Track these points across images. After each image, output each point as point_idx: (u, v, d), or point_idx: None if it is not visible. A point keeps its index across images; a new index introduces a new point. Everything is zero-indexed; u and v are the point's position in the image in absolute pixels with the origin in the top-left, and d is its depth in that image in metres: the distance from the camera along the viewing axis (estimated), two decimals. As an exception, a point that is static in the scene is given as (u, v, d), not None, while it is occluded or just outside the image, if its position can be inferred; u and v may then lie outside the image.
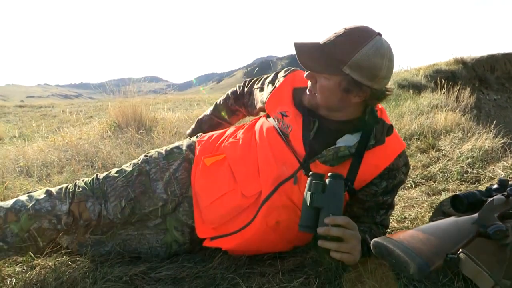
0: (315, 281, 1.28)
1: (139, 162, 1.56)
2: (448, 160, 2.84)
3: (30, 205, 1.40)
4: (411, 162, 2.90)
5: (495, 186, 1.31)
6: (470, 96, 6.42)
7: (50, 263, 1.47)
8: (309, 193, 1.18)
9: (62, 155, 3.23)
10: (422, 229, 1.08)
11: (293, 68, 1.62)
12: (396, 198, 2.20)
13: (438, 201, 1.94)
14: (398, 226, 1.83)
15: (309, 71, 1.35)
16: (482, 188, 1.65)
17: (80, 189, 1.48)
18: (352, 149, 1.33)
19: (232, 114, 1.95)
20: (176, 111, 5.44)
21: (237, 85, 1.90)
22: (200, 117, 2.07)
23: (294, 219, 1.28)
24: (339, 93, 1.31)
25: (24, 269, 1.46)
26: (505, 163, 2.63)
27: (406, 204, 2.13)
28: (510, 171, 2.49)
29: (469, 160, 2.74)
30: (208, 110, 2.03)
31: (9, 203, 1.43)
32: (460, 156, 2.85)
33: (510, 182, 1.30)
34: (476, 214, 1.15)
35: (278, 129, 1.44)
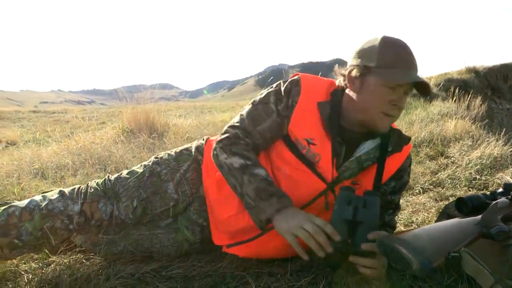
0: (322, 280, 1.31)
1: (150, 163, 1.58)
2: (457, 167, 2.85)
3: (43, 205, 1.45)
4: (420, 169, 2.92)
5: (500, 189, 1.34)
6: (481, 105, 6.39)
7: (65, 261, 1.51)
8: (349, 207, 1.15)
9: (76, 159, 3.30)
10: (426, 229, 1.11)
11: (294, 79, 1.41)
12: (404, 203, 2.22)
13: (446, 207, 1.96)
14: (405, 229, 1.85)
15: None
16: (489, 194, 1.67)
17: (92, 189, 1.51)
18: (372, 156, 1.35)
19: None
20: (187, 118, 5.50)
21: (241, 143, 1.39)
22: None
23: None
24: None
25: (39, 266, 1.50)
26: (514, 170, 2.64)
27: (414, 209, 2.15)
28: (519, 177, 2.50)
29: (478, 167, 2.75)
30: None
31: (24, 202, 1.48)
32: (469, 163, 2.86)
33: None
34: (480, 216, 1.17)
35: (302, 156, 1.35)
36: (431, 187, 2.56)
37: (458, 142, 3.54)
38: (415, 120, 4.55)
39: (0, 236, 1.40)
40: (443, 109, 5.48)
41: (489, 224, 1.13)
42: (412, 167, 1.65)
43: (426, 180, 2.68)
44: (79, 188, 1.52)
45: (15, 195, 2.44)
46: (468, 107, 6.15)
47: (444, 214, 1.50)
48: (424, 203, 2.24)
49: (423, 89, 1.28)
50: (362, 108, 1.29)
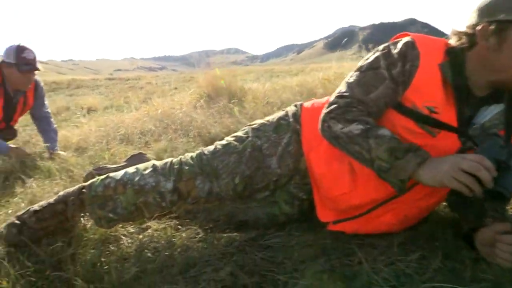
0: (432, 255, 1.21)
1: (247, 136, 1.50)
2: None
3: (136, 180, 1.43)
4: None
5: None
6: None
7: (160, 226, 1.52)
8: (503, 150, 1.07)
9: (158, 124, 3.35)
10: None
11: (408, 40, 1.24)
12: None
13: None
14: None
15: None
16: None
17: (187, 166, 1.45)
18: (497, 122, 1.21)
19: None
20: (260, 82, 5.44)
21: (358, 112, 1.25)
22: None
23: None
24: None
25: (137, 230, 1.53)
26: None
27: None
28: None
29: None
30: None
31: (118, 174, 1.47)
32: None
33: None
34: None
35: (421, 126, 1.21)
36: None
37: None
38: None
39: (98, 208, 1.42)
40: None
41: None
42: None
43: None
44: (171, 162, 1.48)
45: (106, 160, 2.52)
46: None
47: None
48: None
49: None
50: (500, 67, 1.12)
